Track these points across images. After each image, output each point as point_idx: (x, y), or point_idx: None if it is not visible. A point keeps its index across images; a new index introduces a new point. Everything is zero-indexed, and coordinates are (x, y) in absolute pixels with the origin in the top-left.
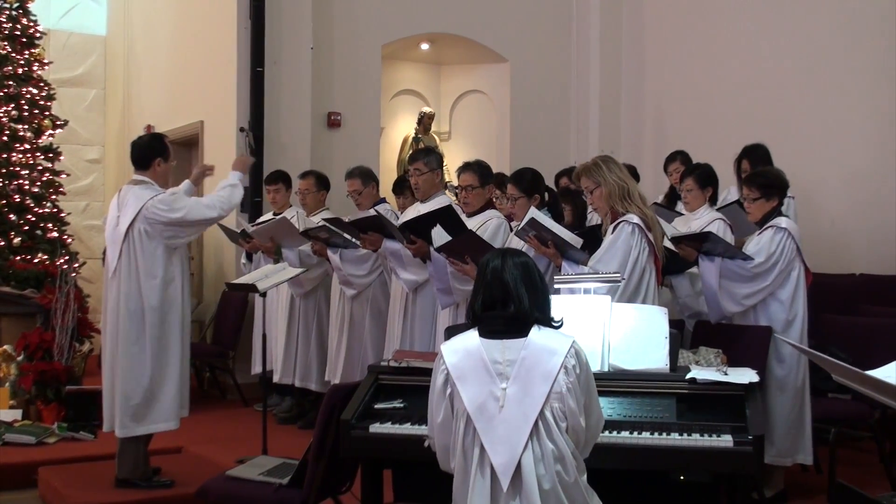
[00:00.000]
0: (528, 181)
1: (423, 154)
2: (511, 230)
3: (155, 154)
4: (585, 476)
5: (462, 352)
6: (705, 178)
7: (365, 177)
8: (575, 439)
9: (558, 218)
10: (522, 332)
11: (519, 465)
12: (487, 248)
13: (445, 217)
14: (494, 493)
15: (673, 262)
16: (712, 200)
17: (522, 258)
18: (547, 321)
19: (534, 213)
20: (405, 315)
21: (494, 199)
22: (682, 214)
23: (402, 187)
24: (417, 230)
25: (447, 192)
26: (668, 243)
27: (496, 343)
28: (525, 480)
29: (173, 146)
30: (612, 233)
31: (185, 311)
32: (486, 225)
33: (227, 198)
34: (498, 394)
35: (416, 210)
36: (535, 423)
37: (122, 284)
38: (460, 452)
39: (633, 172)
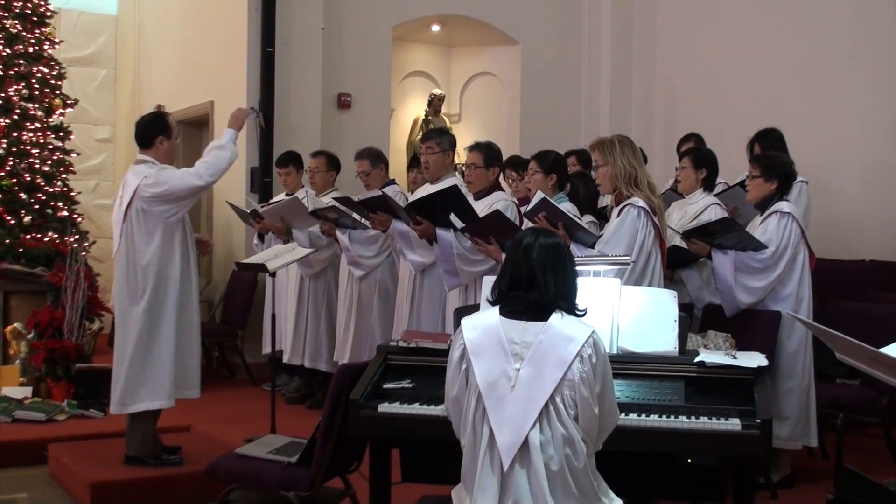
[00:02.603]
0: (550, 161)
1: (437, 134)
2: (520, 212)
3: (156, 132)
4: (594, 461)
5: (481, 328)
6: (701, 159)
7: (374, 158)
8: (587, 428)
9: (578, 204)
10: (544, 316)
11: (528, 446)
12: (513, 228)
13: (451, 197)
14: (503, 471)
15: (680, 255)
16: (708, 185)
17: (555, 240)
18: (571, 310)
19: (542, 194)
20: (412, 297)
21: (512, 182)
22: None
23: (417, 162)
24: (424, 211)
25: (457, 173)
26: (678, 239)
27: (516, 323)
28: (533, 461)
29: (183, 126)
30: (618, 216)
31: (185, 291)
32: (493, 207)
33: (213, 163)
34: (511, 373)
35: (426, 191)
36: (546, 407)
37: (122, 263)
38: (470, 428)
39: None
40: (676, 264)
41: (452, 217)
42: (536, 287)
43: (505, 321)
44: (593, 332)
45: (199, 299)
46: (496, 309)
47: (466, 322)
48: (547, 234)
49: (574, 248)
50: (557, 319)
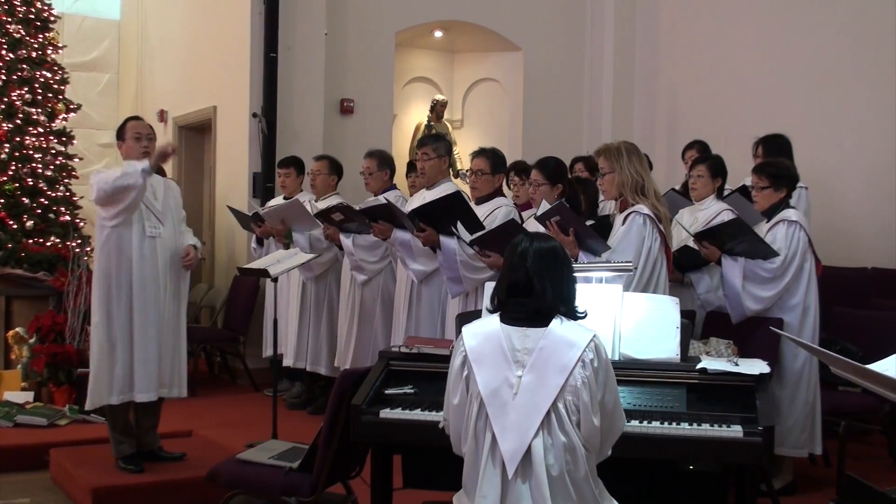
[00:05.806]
0: (551, 168)
1: (433, 140)
2: (521, 218)
3: (118, 139)
4: (595, 466)
5: (482, 336)
6: (717, 168)
7: (382, 161)
8: (587, 436)
9: (576, 209)
10: (544, 322)
11: (530, 453)
12: None
13: (454, 203)
14: (504, 478)
15: (692, 258)
16: (720, 192)
17: (550, 243)
18: (571, 313)
19: (562, 202)
20: (410, 304)
21: (514, 186)
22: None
23: (414, 167)
24: (427, 218)
25: (457, 179)
26: (690, 242)
27: (517, 330)
28: (535, 468)
29: (185, 131)
30: (623, 224)
31: (114, 300)
32: (496, 213)
33: (112, 184)
34: (513, 380)
35: (423, 197)
36: (548, 414)
37: None
38: (472, 436)
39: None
40: (688, 267)
41: (461, 228)
42: (534, 294)
43: (506, 328)
44: (594, 335)
45: (202, 304)
46: (496, 316)
47: (467, 330)
48: (542, 238)
49: (582, 256)
50: (557, 325)
